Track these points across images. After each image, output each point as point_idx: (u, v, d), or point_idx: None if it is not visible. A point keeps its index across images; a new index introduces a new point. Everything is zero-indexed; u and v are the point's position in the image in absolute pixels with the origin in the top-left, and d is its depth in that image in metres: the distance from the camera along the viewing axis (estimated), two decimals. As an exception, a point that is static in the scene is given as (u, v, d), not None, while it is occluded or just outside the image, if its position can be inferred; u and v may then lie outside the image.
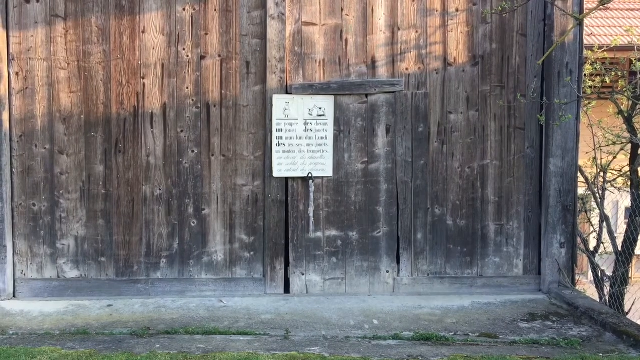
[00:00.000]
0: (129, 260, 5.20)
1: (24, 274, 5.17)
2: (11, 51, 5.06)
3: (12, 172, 5.11)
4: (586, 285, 7.01)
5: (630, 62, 5.99)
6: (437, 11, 5.20)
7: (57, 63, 5.10)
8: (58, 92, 5.11)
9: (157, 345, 4.01)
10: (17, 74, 5.08)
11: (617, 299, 5.30)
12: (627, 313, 5.38)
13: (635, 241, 5.39)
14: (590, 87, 6.06)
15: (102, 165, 5.15)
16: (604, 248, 6.08)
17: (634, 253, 5.45)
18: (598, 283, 5.82)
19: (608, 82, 5.77)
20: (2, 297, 5.04)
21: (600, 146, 6.04)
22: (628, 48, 6.95)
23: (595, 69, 5.79)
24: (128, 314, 4.74)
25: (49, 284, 5.16)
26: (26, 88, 5.09)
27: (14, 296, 5.14)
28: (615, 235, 5.78)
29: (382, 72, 5.22)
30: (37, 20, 5.06)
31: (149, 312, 4.78)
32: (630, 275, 5.57)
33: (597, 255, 6.05)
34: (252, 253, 5.25)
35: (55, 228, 5.16)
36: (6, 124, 5.04)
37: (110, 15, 5.08)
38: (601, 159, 6.05)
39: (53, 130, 5.12)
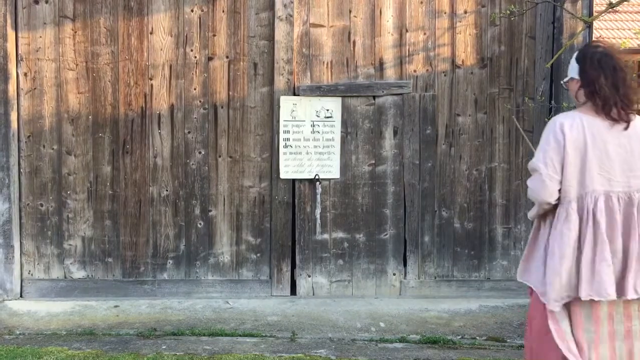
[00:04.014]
0: (136, 261, 5.21)
1: (31, 274, 5.18)
2: (20, 52, 5.08)
3: (19, 172, 5.12)
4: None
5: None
6: (445, 13, 5.18)
7: (66, 64, 5.11)
8: (66, 92, 5.12)
9: (164, 347, 4.01)
10: (25, 74, 5.09)
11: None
12: (636, 317, 5.33)
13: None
14: (599, 89, 6.02)
15: (109, 166, 5.16)
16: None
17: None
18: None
19: (617, 84, 5.72)
20: (9, 297, 5.05)
21: (609, 149, 6.00)
22: (637, 51, 6.92)
23: (604, 71, 5.75)
24: (134, 315, 4.74)
25: (55, 284, 5.17)
26: (34, 88, 5.11)
27: (21, 296, 5.15)
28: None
29: (390, 73, 5.20)
30: (46, 21, 5.07)
31: (156, 313, 4.78)
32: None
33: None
34: (258, 255, 5.25)
35: (63, 228, 5.17)
36: (14, 124, 5.05)
37: (119, 17, 5.10)
38: (610, 162, 6.01)
39: (61, 131, 5.13)
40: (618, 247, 2.49)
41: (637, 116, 2.58)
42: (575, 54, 2.70)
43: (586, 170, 2.49)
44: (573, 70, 2.65)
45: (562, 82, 2.87)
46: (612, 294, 2.44)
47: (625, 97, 2.52)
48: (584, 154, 2.49)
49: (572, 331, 2.51)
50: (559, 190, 2.53)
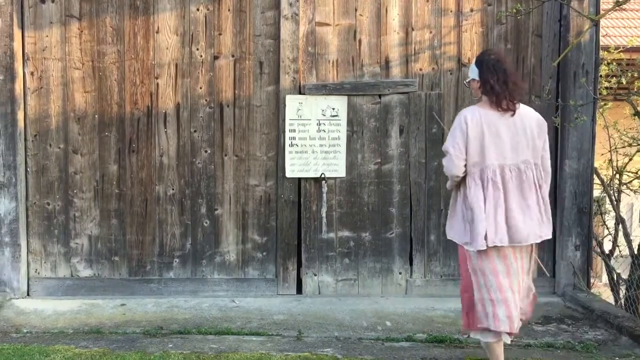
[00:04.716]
0: (142, 260, 5.22)
1: (38, 273, 5.19)
2: (26, 51, 5.09)
3: (26, 171, 5.14)
4: (601, 289, 6.94)
5: (647, 63, 5.93)
6: (451, 11, 5.17)
7: (72, 63, 5.12)
8: (72, 91, 5.13)
9: (170, 345, 4.01)
10: (32, 73, 5.11)
11: (632, 302, 5.24)
12: (643, 317, 5.31)
13: (651, 244, 5.35)
14: (606, 88, 6.01)
15: (115, 164, 5.17)
16: (619, 251, 6.01)
17: (649, 256, 5.39)
18: (613, 286, 5.76)
19: (624, 83, 5.71)
20: (16, 295, 5.07)
21: (615, 148, 5.98)
22: (644, 49, 6.88)
23: (611, 69, 5.74)
24: (141, 314, 4.75)
25: (62, 283, 5.18)
26: (41, 88, 5.12)
27: (28, 295, 5.16)
28: (631, 238, 5.72)
29: (396, 72, 5.19)
30: (52, 20, 5.08)
31: (162, 312, 4.78)
32: (645, 279, 5.51)
33: (612, 258, 5.98)
34: (264, 253, 5.25)
35: (69, 227, 5.18)
36: (21, 123, 5.07)
37: (125, 16, 5.10)
38: (617, 160, 5.99)
39: (67, 130, 5.15)
40: (515, 206, 3.25)
41: (521, 104, 3.37)
42: (474, 60, 3.46)
43: (485, 150, 3.27)
44: (474, 72, 3.41)
45: (465, 82, 3.64)
46: (516, 240, 3.24)
47: (511, 92, 3.30)
48: (482, 138, 3.27)
49: (489, 266, 3.30)
50: (465, 166, 3.31)
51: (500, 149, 3.27)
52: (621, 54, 6.20)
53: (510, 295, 3.27)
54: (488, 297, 3.29)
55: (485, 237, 3.22)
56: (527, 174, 3.29)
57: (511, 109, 3.29)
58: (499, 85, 3.28)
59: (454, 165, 3.32)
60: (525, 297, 3.43)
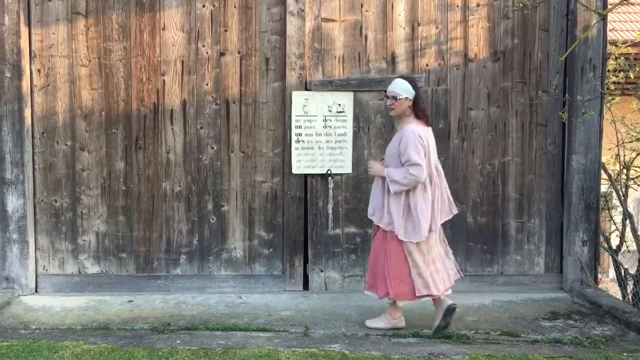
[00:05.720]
0: (149, 256, 5.23)
1: (46, 270, 5.22)
2: (33, 48, 5.10)
3: (34, 168, 5.16)
4: (608, 284, 6.91)
5: (655, 57, 5.89)
6: (457, 6, 5.15)
7: (78, 60, 5.13)
8: (79, 89, 5.14)
9: (178, 341, 4.03)
10: (38, 70, 5.12)
11: (640, 298, 5.22)
12: (651, 312, 5.28)
13: (659, 239, 5.31)
14: (614, 82, 5.97)
15: (122, 161, 5.18)
16: (627, 246, 5.98)
17: (657, 251, 5.36)
18: (621, 281, 5.74)
19: (632, 77, 5.67)
20: (25, 292, 5.10)
21: (623, 142, 5.94)
22: (651, 43, 6.83)
23: (619, 64, 5.70)
24: (148, 310, 4.76)
25: (70, 280, 5.20)
26: (48, 85, 5.13)
27: (36, 291, 5.19)
28: (638, 233, 5.69)
29: (402, 68, 5.18)
30: (59, 17, 5.10)
31: (169, 308, 4.80)
32: (653, 274, 5.48)
33: (619, 253, 5.96)
34: (271, 250, 5.25)
35: (77, 224, 5.20)
36: (28, 121, 5.08)
37: (131, 13, 5.11)
38: (624, 155, 5.95)
39: (74, 127, 5.16)
40: (441, 197, 4.20)
41: None
42: (408, 82, 4.12)
43: (430, 159, 4.08)
44: (408, 92, 4.08)
45: (398, 97, 4.09)
46: (439, 224, 4.20)
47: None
48: (428, 149, 4.07)
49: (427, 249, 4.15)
50: None
51: (433, 156, 4.15)
52: (629, 48, 6.16)
53: (440, 265, 4.20)
54: (433, 269, 4.14)
55: (427, 228, 4.07)
56: (438, 171, 4.19)
57: (430, 125, 4.23)
58: (425, 107, 4.24)
59: (423, 173, 4.00)
60: (450, 258, 4.34)
